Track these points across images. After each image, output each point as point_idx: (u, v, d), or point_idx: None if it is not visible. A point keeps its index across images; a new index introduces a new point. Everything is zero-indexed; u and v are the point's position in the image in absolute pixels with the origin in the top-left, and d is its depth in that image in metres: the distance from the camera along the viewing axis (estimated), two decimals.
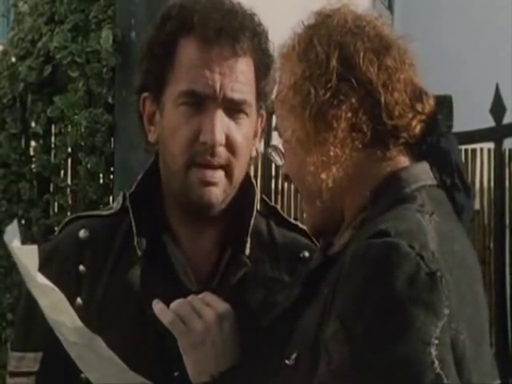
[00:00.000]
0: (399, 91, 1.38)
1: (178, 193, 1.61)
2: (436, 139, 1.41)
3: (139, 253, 1.61)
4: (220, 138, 1.57)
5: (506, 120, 4.17)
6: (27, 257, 1.43)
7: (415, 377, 1.20)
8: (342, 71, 1.37)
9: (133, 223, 1.63)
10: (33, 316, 1.64)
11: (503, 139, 4.23)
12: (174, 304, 1.50)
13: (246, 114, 1.61)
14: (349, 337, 1.23)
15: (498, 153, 4.25)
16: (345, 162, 1.37)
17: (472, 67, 12.64)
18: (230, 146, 1.59)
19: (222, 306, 1.52)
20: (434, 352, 1.21)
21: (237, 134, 1.60)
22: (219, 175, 1.59)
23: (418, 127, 1.40)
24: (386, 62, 1.39)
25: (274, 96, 1.52)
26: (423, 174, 1.39)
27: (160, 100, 1.63)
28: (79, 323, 1.46)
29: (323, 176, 1.37)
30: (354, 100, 1.37)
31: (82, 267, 1.63)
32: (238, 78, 1.59)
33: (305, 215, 1.48)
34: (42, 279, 1.44)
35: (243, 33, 1.60)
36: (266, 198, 1.79)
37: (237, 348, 1.50)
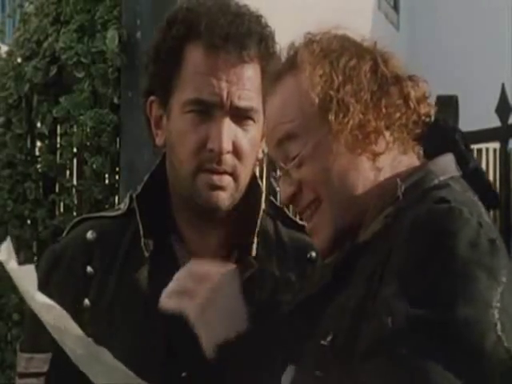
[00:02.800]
0: (419, 86, 1.43)
1: (186, 196, 1.62)
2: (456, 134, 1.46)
3: (146, 254, 1.61)
4: (227, 145, 1.57)
5: (511, 120, 4.17)
6: (25, 277, 1.43)
7: (478, 337, 1.22)
8: (379, 66, 1.42)
9: (140, 224, 1.63)
10: None
11: (509, 139, 4.22)
12: (173, 283, 1.47)
13: (253, 120, 1.61)
14: (411, 298, 1.24)
15: (504, 153, 4.24)
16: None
17: (478, 67, 12.63)
18: (236, 152, 1.60)
19: (225, 267, 1.49)
20: (496, 314, 1.23)
21: (243, 141, 1.60)
22: (226, 180, 1.59)
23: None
24: (402, 64, 1.45)
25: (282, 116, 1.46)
26: (449, 166, 1.42)
27: (167, 105, 1.63)
28: (84, 336, 1.46)
29: (369, 170, 1.40)
30: (393, 90, 1.41)
31: (89, 268, 1.63)
32: (245, 85, 1.59)
33: (316, 231, 1.45)
34: (41, 298, 1.45)
35: (250, 38, 1.60)
36: (272, 198, 1.79)
37: (245, 311, 1.47)
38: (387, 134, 1.40)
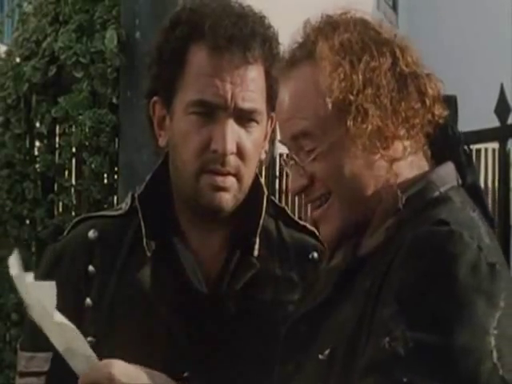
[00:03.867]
0: (436, 85, 1.42)
1: (189, 196, 1.61)
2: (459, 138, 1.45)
3: (148, 253, 1.61)
4: (231, 147, 1.57)
5: (510, 120, 4.17)
6: (44, 293, 1.41)
7: (474, 364, 1.22)
8: (398, 64, 1.40)
9: (142, 224, 1.63)
10: None
11: (508, 139, 4.22)
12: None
13: (257, 122, 1.61)
14: (410, 321, 1.24)
15: (503, 153, 4.23)
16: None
17: (477, 67, 12.63)
18: (240, 153, 1.59)
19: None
20: (493, 341, 1.23)
21: (247, 142, 1.60)
22: (230, 181, 1.59)
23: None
24: (419, 59, 1.43)
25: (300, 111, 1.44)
26: (449, 175, 1.41)
27: (170, 106, 1.63)
28: (96, 360, 1.45)
29: (387, 173, 1.38)
30: (411, 89, 1.39)
31: (91, 267, 1.62)
32: (249, 86, 1.59)
33: (324, 220, 1.44)
34: (59, 317, 1.42)
35: (254, 39, 1.59)
36: (274, 198, 1.79)
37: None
38: (405, 138, 1.39)
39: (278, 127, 1.51)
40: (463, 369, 1.21)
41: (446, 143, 1.43)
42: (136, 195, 1.67)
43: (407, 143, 1.39)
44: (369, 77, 1.37)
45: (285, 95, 1.43)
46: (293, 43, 1.46)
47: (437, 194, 1.38)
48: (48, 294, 1.39)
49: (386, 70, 1.38)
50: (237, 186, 1.60)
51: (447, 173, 1.41)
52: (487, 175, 5.54)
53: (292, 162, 1.44)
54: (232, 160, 1.58)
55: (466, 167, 1.44)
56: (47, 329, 1.45)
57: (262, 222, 1.66)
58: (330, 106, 1.37)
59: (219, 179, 1.58)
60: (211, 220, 1.62)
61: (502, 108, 4.12)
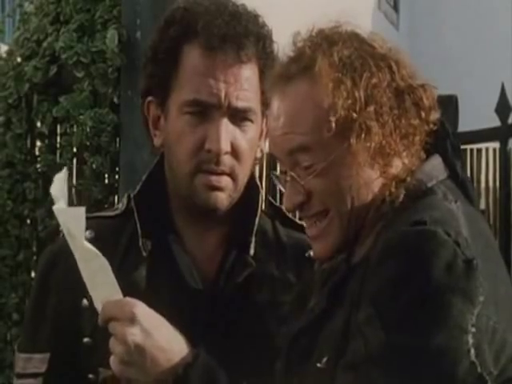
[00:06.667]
0: (430, 94, 1.41)
1: (184, 196, 1.62)
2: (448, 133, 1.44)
3: (144, 253, 1.61)
4: (225, 146, 1.57)
5: (511, 119, 4.17)
6: (73, 219, 1.39)
7: (451, 364, 1.22)
8: (395, 79, 1.39)
9: (137, 224, 1.63)
10: (40, 317, 1.64)
11: (508, 139, 4.22)
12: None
13: (251, 121, 1.61)
14: (385, 324, 1.24)
15: (504, 152, 4.24)
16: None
17: (478, 66, 12.63)
18: (235, 153, 1.59)
19: (132, 309, 1.41)
20: (470, 340, 1.23)
21: (242, 141, 1.60)
22: (225, 180, 1.59)
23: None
24: (413, 71, 1.42)
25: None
26: (435, 170, 1.41)
27: (164, 105, 1.63)
28: (120, 295, 1.42)
29: (386, 190, 1.38)
30: (408, 104, 1.39)
31: None
32: (243, 85, 1.59)
33: (322, 237, 1.43)
34: (86, 244, 1.40)
35: (247, 38, 1.59)
36: (271, 198, 1.79)
37: (180, 338, 1.43)
38: (404, 154, 1.39)
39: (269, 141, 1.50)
40: (440, 369, 1.22)
41: (435, 136, 1.43)
42: (132, 195, 1.67)
43: (406, 160, 1.39)
44: (370, 93, 1.37)
45: (280, 111, 1.42)
46: (284, 57, 1.45)
47: (423, 189, 1.37)
48: (76, 219, 1.37)
49: (386, 86, 1.38)
50: (232, 186, 1.60)
51: (433, 167, 1.41)
52: (488, 175, 5.55)
53: (288, 178, 1.43)
54: (226, 159, 1.58)
55: (454, 160, 1.43)
56: (76, 254, 1.43)
57: (257, 220, 1.66)
58: (333, 124, 1.36)
59: (214, 179, 1.58)
60: (207, 219, 1.63)
61: (502, 107, 4.13)
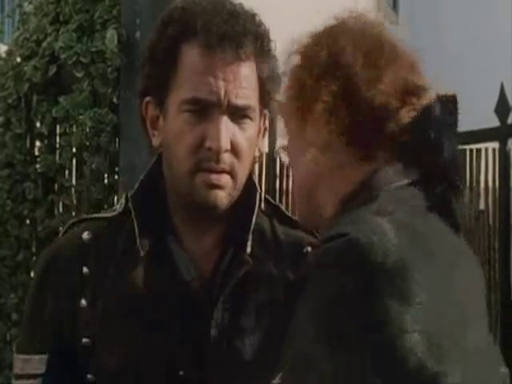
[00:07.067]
0: (385, 84, 1.39)
1: (184, 195, 1.62)
2: (426, 133, 1.40)
3: (142, 253, 1.61)
4: (225, 144, 1.57)
5: (510, 120, 4.17)
6: None
7: (399, 362, 1.21)
8: (329, 63, 1.41)
9: (135, 224, 1.63)
10: (38, 318, 1.64)
11: (508, 139, 4.23)
12: None
13: (250, 119, 1.61)
14: (312, 337, 1.24)
15: (503, 152, 4.24)
16: (325, 154, 1.40)
17: (477, 67, 12.63)
18: (234, 151, 1.59)
19: None
20: (414, 337, 1.21)
21: (241, 139, 1.60)
22: (224, 178, 1.59)
23: (408, 118, 1.39)
24: (373, 60, 1.41)
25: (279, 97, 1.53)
26: (394, 176, 1.38)
27: (163, 105, 1.63)
28: None
29: (302, 164, 1.42)
30: (334, 87, 1.39)
31: (85, 269, 1.63)
32: (242, 83, 1.59)
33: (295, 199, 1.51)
34: None
35: (246, 37, 1.59)
36: (268, 197, 1.79)
37: None
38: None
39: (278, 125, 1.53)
40: (389, 368, 1.21)
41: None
42: (129, 195, 1.67)
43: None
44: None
45: None
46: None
47: (372, 195, 1.36)
48: None
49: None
50: (231, 184, 1.60)
51: (392, 174, 1.39)
52: (487, 175, 5.54)
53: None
54: (226, 157, 1.58)
55: (438, 144, 1.40)
56: None
57: (254, 218, 1.66)
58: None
59: (214, 177, 1.58)
60: (206, 218, 1.63)
61: (502, 108, 4.13)
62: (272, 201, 1.77)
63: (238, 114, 1.59)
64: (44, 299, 1.64)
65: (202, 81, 1.57)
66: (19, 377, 1.65)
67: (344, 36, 1.43)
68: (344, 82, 1.39)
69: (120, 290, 1.61)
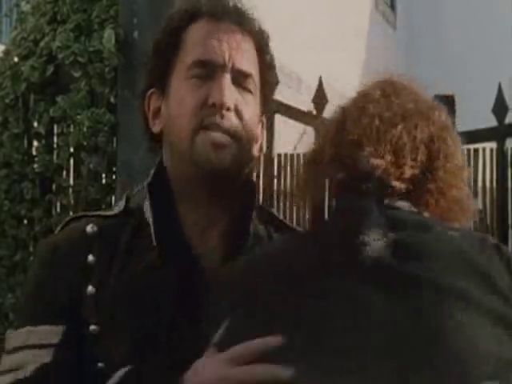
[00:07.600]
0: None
1: (186, 162, 1.59)
2: None
3: (154, 242, 1.60)
4: (229, 100, 1.57)
5: (508, 120, 4.18)
6: None
7: None
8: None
9: (150, 212, 1.61)
10: (46, 295, 1.61)
11: (505, 139, 4.23)
12: None
13: (251, 93, 1.62)
14: None
15: (501, 152, 4.25)
16: None
17: (475, 66, 12.64)
18: (238, 113, 1.59)
19: None
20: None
21: (245, 108, 1.60)
22: (227, 139, 1.58)
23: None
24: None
25: None
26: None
27: (166, 87, 1.64)
28: None
29: None
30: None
31: (91, 257, 1.61)
32: (244, 53, 1.61)
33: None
34: None
35: (247, 17, 1.65)
36: (263, 204, 1.80)
37: None
38: None
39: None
40: None
41: None
42: (146, 184, 1.66)
43: None
44: None
45: None
46: None
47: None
48: None
49: None
50: (235, 146, 1.58)
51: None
52: (485, 175, 5.54)
53: None
54: (231, 116, 1.58)
55: None
56: None
57: (252, 214, 1.66)
58: None
59: (217, 136, 1.57)
60: (210, 194, 1.61)
61: (499, 108, 4.14)
62: (268, 209, 1.78)
63: (241, 80, 1.60)
64: (48, 283, 1.61)
65: (207, 44, 1.59)
66: (18, 349, 1.58)
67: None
68: None
69: (127, 279, 1.59)
